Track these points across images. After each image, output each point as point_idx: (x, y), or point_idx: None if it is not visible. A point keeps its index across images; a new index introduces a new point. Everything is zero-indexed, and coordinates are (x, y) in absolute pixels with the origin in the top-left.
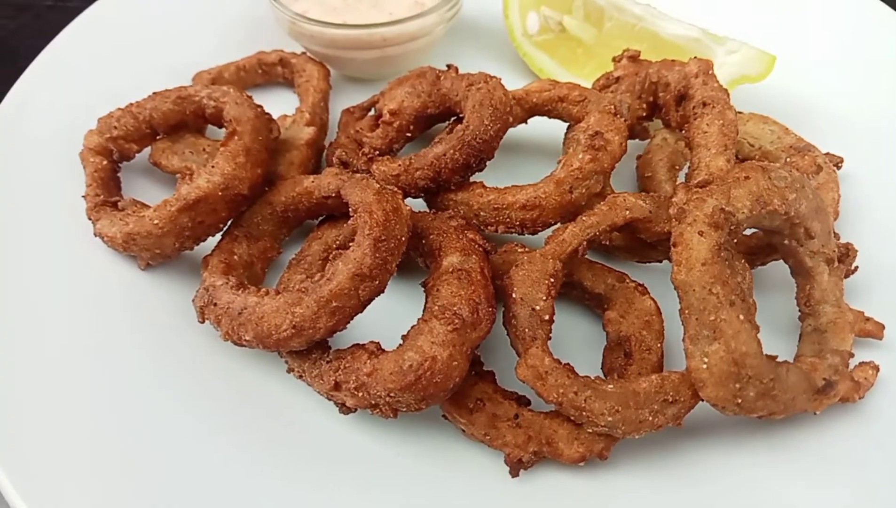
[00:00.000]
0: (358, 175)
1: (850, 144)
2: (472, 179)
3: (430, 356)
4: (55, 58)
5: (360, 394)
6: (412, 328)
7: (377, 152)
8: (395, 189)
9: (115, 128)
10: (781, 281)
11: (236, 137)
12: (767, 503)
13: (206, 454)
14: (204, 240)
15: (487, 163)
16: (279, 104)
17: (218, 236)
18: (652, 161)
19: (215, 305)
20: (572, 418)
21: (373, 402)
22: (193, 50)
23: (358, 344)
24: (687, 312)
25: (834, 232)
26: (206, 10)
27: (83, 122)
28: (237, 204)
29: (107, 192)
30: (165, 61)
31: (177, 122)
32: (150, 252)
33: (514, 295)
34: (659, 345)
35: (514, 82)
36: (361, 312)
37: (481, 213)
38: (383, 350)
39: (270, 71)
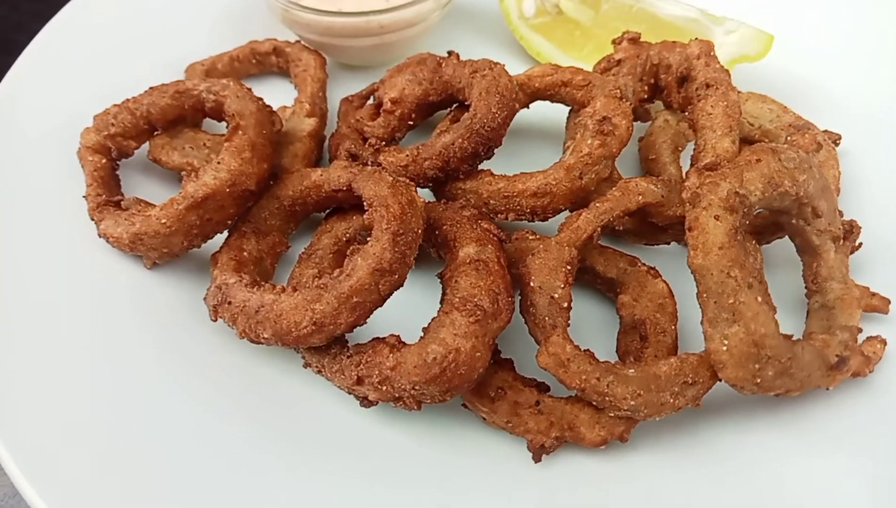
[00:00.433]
0: (369, 168)
1: (847, 121)
2: (479, 167)
3: (454, 348)
4: (41, 51)
5: (384, 388)
6: (433, 320)
7: (382, 143)
8: (408, 181)
9: (113, 125)
10: (784, 259)
11: (240, 132)
12: (785, 476)
13: (225, 452)
14: (212, 237)
15: (495, 151)
16: (274, 94)
17: (224, 233)
18: (655, 143)
19: (230, 303)
20: (595, 403)
21: (396, 395)
22: (184, 41)
23: (378, 338)
24: (705, 295)
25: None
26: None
27: (73, 118)
28: (244, 200)
29: (108, 191)
30: (155, 53)
31: (175, 117)
32: (157, 251)
33: (531, 284)
34: (673, 327)
35: (511, 66)
36: (381, 306)
37: (491, 201)
38: (404, 343)
39: (264, 61)
